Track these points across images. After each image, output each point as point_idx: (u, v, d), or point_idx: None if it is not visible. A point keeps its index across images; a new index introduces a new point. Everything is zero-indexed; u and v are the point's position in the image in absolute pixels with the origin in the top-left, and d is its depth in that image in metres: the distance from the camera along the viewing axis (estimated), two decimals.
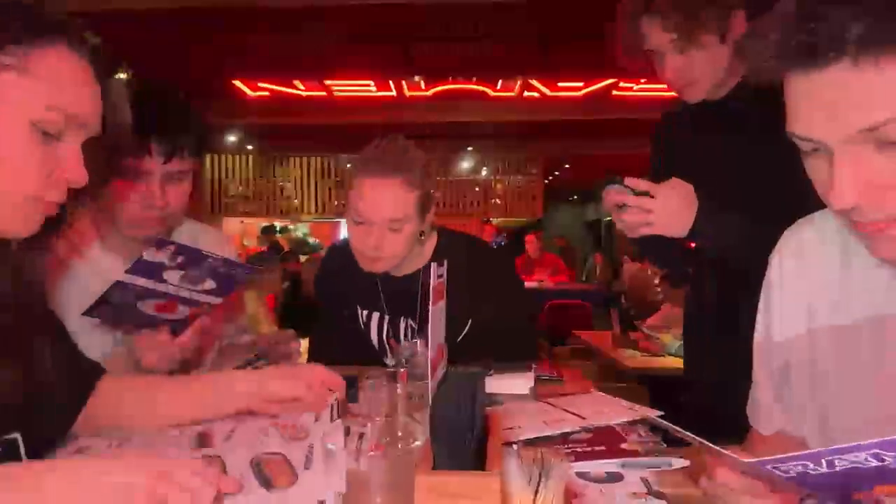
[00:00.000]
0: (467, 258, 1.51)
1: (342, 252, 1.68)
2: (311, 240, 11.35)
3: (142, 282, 1.08)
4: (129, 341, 1.20)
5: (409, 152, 1.48)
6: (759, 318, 0.96)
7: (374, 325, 1.68)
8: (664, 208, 1.22)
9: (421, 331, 1.51)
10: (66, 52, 0.82)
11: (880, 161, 0.63)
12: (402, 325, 1.64)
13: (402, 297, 1.62)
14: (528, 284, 7.23)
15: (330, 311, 1.80)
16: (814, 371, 0.86)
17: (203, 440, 0.98)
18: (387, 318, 1.66)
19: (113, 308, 1.12)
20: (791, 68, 0.66)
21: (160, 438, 1.01)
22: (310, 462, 0.86)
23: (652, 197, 1.22)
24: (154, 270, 1.08)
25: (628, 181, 1.23)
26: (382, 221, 1.45)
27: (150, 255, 1.06)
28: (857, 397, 0.79)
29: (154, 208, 1.26)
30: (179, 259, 1.07)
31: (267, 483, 0.81)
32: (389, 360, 1.63)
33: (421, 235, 1.55)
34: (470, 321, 1.54)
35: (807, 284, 0.87)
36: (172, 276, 1.10)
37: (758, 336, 0.96)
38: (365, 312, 1.69)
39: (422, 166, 1.49)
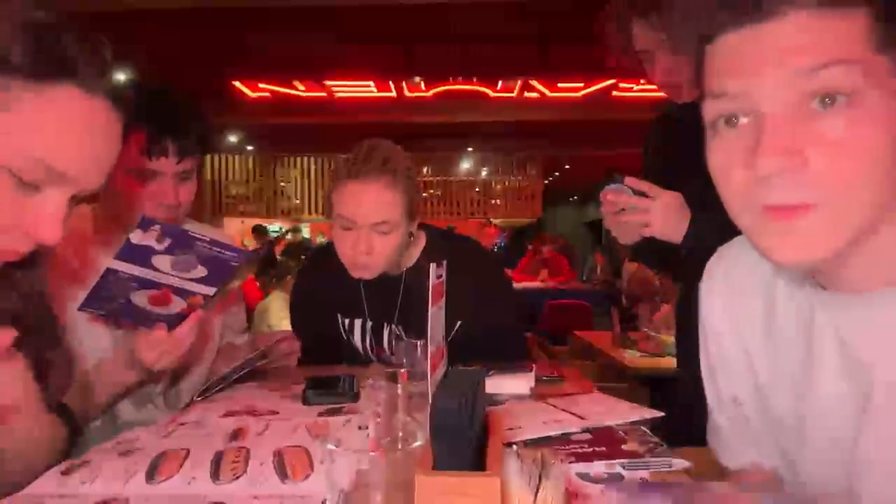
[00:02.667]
0: (456, 260, 1.41)
1: (318, 262, 1.63)
2: (319, 240, 11.23)
3: (132, 268, 1.05)
4: (129, 341, 1.20)
5: (393, 155, 1.45)
6: (701, 351, 0.90)
7: (357, 333, 1.64)
8: (662, 210, 1.22)
9: (407, 336, 1.48)
10: (68, 95, 0.70)
11: (822, 121, 0.59)
12: (386, 332, 1.60)
13: (387, 300, 1.58)
14: (529, 284, 7.27)
15: (310, 325, 1.73)
16: (762, 402, 0.81)
17: (237, 434, 1.05)
18: (369, 324, 1.62)
19: (106, 300, 1.10)
20: (731, 23, 0.63)
21: (200, 432, 1.07)
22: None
23: (650, 198, 1.22)
24: (142, 255, 1.05)
25: (628, 180, 1.24)
26: (370, 225, 1.42)
27: (136, 237, 1.02)
28: (813, 430, 0.74)
29: (167, 208, 1.27)
30: (167, 242, 1.04)
31: (283, 473, 0.87)
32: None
33: (410, 237, 1.53)
34: (458, 323, 1.50)
35: (737, 317, 0.83)
36: (162, 263, 1.07)
37: (703, 368, 0.90)
38: (346, 321, 1.65)
39: (406, 167, 1.46)
